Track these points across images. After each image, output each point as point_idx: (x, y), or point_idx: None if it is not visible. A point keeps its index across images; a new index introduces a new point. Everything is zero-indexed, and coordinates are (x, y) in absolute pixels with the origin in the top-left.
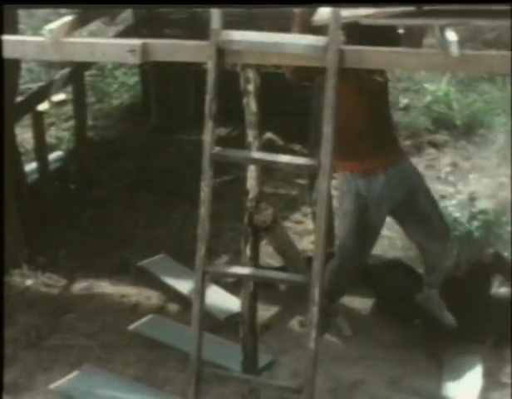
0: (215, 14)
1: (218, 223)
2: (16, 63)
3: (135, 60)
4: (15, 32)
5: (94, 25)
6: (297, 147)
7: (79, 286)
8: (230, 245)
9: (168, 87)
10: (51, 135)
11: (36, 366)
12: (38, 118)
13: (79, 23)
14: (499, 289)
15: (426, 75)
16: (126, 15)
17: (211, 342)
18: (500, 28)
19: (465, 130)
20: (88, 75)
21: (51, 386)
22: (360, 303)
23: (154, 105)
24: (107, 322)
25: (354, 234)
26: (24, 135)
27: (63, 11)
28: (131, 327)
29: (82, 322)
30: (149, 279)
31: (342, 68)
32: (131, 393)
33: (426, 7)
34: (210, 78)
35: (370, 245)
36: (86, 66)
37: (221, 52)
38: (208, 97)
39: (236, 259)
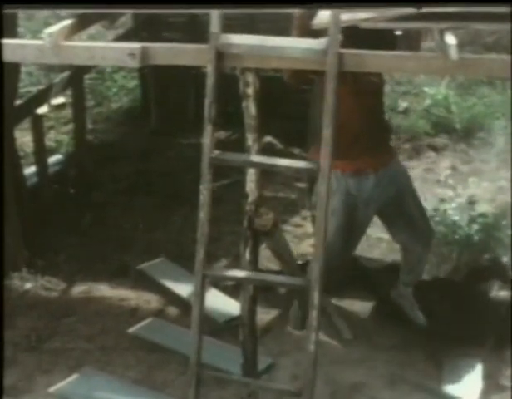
0: (215, 17)
1: (217, 226)
2: (15, 66)
3: (134, 63)
4: (14, 35)
5: (93, 28)
6: (296, 151)
7: (78, 289)
8: (230, 249)
9: (167, 91)
10: (50, 139)
11: (35, 369)
12: (38, 121)
13: (78, 27)
14: (499, 292)
15: (426, 78)
16: (126, 19)
17: (211, 345)
18: (500, 32)
19: (464, 133)
20: (88, 78)
21: (51, 389)
22: (359, 307)
23: (153, 109)
24: (107, 325)
25: (341, 233)
26: (23, 138)
27: (63, 14)
28: (131, 330)
29: (82, 325)
30: (148, 283)
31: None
32: (131, 396)
33: (426, 11)
34: (210, 82)
35: (355, 243)
36: (85, 69)
37: (220, 56)
38: (207, 101)
39: (235, 263)
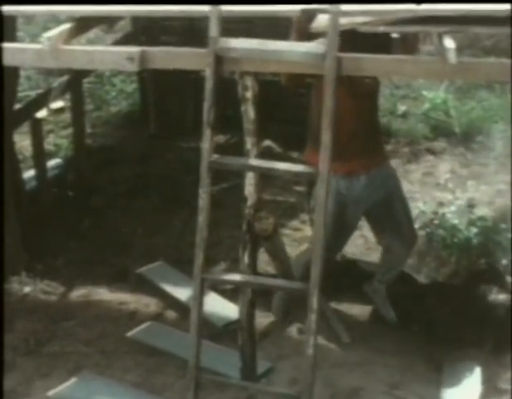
0: (213, 22)
1: (216, 230)
2: (14, 70)
3: (133, 67)
4: (14, 39)
5: (92, 33)
6: (295, 154)
7: (77, 293)
8: (229, 253)
9: (166, 95)
10: (49, 143)
11: (34, 373)
12: (37, 125)
13: (77, 31)
14: (498, 296)
15: (425, 82)
16: (125, 23)
17: (209, 348)
18: (499, 35)
19: (463, 137)
20: (86, 82)
21: (50, 393)
22: (358, 310)
23: (152, 113)
24: (106, 329)
25: (331, 231)
26: (22, 142)
27: (62, 18)
28: (130, 334)
29: (81, 328)
30: (147, 286)
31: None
32: None
33: (424, 15)
34: (208, 85)
35: (344, 242)
36: (84, 73)
37: (219, 60)
38: (206, 105)
39: (234, 267)
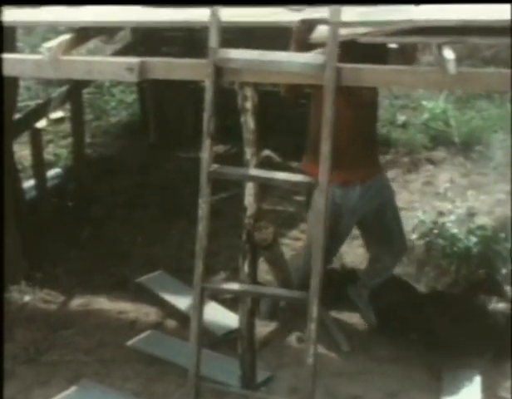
0: (213, 32)
1: (216, 240)
2: (14, 81)
3: (132, 78)
4: (13, 49)
5: (92, 43)
6: (294, 164)
7: (77, 302)
8: (228, 262)
9: (166, 105)
10: (49, 153)
11: (34, 382)
12: (36, 135)
13: (77, 41)
14: (498, 304)
15: (424, 92)
16: (124, 33)
17: (209, 357)
18: (498, 45)
19: (462, 146)
20: (86, 92)
21: None
22: (358, 319)
23: (152, 123)
24: (105, 337)
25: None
26: (22, 152)
27: (62, 29)
28: (130, 342)
29: (80, 337)
30: (147, 296)
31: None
32: None
33: (424, 26)
34: (208, 96)
35: (335, 251)
36: (84, 83)
37: (219, 70)
38: (206, 115)
39: (234, 276)
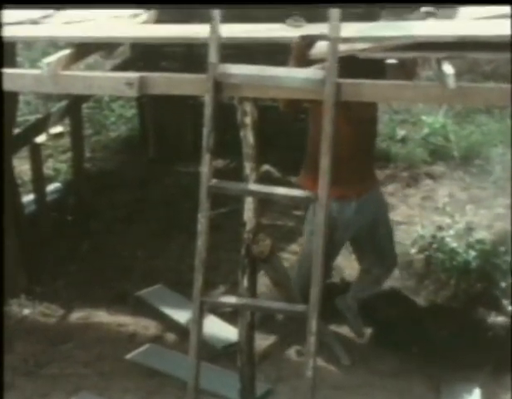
0: (213, 48)
1: (215, 254)
2: (14, 95)
3: (132, 93)
4: (13, 64)
5: (91, 58)
6: (294, 179)
7: (76, 315)
8: (228, 276)
9: (165, 120)
10: (48, 167)
11: (33, 394)
12: (36, 150)
13: (77, 57)
14: (496, 318)
15: (424, 107)
16: (124, 48)
17: (209, 370)
18: (498, 60)
19: (462, 161)
20: (86, 107)
21: None
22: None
23: (151, 138)
24: (104, 351)
25: None
26: (22, 166)
27: (61, 44)
28: (129, 356)
29: (80, 350)
30: (146, 309)
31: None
32: None
33: (423, 41)
34: (208, 111)
35: (329, 264)
36: (83, 98)
37: (218, 86)
38: (205, 130)
39: (233, 290)
